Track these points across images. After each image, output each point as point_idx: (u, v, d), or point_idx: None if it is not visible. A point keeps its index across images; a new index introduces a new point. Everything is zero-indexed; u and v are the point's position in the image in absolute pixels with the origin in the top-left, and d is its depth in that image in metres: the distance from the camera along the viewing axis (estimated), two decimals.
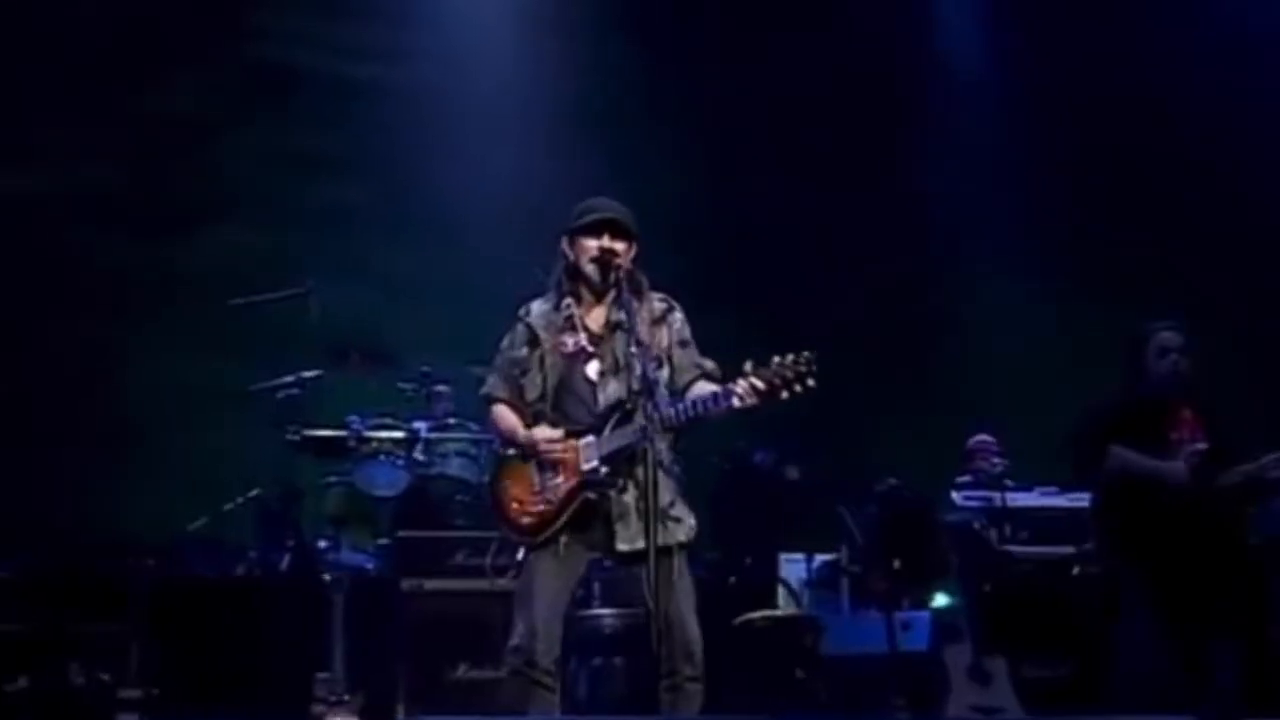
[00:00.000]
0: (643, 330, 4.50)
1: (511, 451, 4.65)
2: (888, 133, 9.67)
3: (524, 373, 4.63)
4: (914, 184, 9.73)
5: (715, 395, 4.42)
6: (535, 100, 9.53)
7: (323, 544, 7.54)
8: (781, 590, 7.57)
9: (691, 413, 4.41)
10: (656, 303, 4.66)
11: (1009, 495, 7.46)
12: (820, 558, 7.80)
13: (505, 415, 4.66)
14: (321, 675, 6.37)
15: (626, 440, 4.42)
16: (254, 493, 7.72)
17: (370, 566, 7.32)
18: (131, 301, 8.91)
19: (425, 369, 8.06)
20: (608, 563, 4.87)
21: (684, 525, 4.54)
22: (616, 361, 4.57)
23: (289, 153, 9.29)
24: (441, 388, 8.15)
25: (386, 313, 8.75)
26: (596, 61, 9.58)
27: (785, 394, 4.35)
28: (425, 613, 6.55)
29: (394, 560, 6.97)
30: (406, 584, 6.57)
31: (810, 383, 4.33)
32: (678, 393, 4.55)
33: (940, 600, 7.25)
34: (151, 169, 9.13)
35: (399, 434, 7.81)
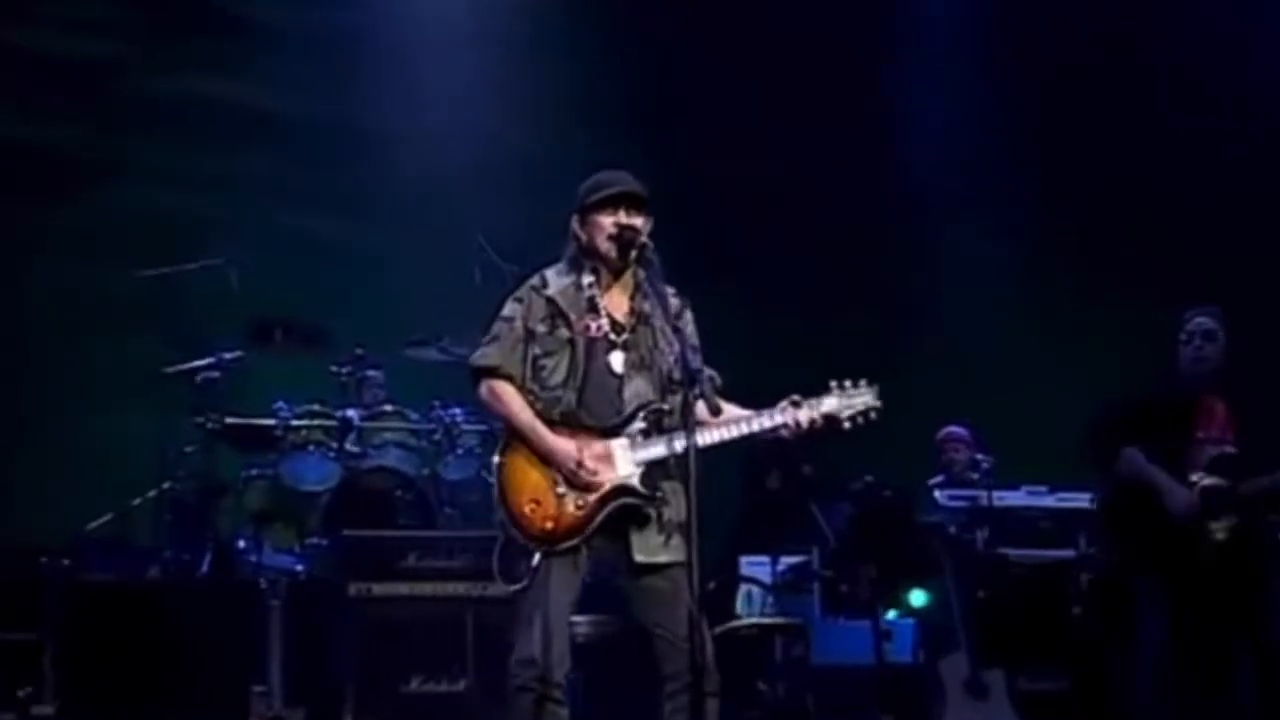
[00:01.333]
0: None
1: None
2: (859, 111, 9.66)
3: (547, 353, 4.52)
4: (897, 161, 9.77)
5: (765, 417, 4.44)
6: (486, 48, 9.30)
7: (241, 544, 7.39)
8: (753, 591, 7.55)
9: (737, 433, 4.44)
10: (671, 297, 4.62)
11: (996, 494, 7.47)
12: (786, 560, 7.81)
13: (515, 396, 4.51)
14: (258, 688, 6.25)
15: (668, 452, 4.40)
16: (166, 486, 7.55)
17: (299, 569, 7.15)
18: (22, 269, 8.57)
19: (360, 350, 7.90)
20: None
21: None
22: (642, 357, 4.53)
23: (205, 105, 8.98)
24: (373, 373, 8.00)
25: (315, 287, 8.53)
26: (553, 10, 9.41)
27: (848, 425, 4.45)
28: (374, 619, 6.39)
29: (336, 562, 6.81)
30: (354, 588, 6.43)
31: (874, 415, 4.42)
32: None
33: (917, 601, 7.34)
34: (39, 117, 8.79)
35: (330, 423, 7.68)
